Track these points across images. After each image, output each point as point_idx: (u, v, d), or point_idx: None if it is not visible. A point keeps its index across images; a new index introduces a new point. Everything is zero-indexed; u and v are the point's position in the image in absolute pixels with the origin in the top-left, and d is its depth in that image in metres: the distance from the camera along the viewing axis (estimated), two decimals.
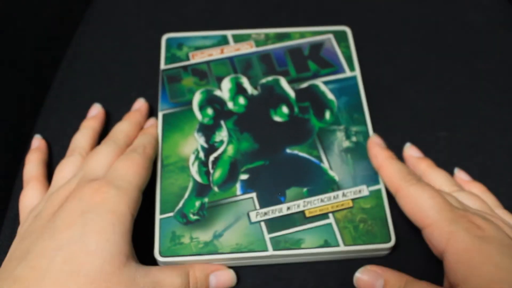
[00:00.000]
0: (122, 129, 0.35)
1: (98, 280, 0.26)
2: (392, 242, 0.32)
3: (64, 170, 0.32)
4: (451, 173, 0.36)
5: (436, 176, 0.33)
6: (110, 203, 0.28)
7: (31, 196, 0.32)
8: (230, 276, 0.31)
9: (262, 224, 0.32)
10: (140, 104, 0.38)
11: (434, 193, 0.29)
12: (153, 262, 0.32)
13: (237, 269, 0.32)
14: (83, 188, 0.29)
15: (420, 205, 0.29)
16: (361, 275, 0.30)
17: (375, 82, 0.40)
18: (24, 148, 0.36)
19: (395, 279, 0.28)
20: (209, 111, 0.37)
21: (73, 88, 0.40)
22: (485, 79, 0.40)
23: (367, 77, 0.40)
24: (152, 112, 0.38)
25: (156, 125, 0.36)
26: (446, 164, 0.36)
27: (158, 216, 0.32)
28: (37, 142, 0.36)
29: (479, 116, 0.39)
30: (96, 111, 0.37)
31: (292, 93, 0.38)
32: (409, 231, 0.33)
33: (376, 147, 0.33)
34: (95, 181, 0.29)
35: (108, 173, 0.30)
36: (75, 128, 0.36)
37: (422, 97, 0.39)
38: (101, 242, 0.26)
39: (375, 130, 0.37)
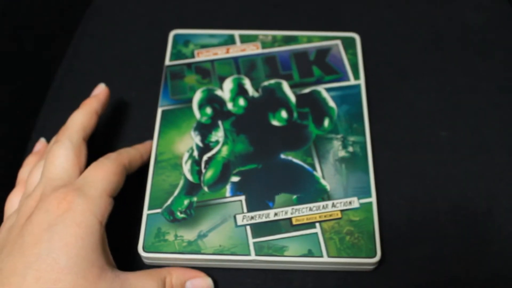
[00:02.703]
0: (76, 121, 0.33)
1: None
2: (378, 257, 0.31)
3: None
4: (449, 174, 0.36)
5: None
6: (76, 214, 0.27)
7: (14, 200, 0.32)
8: (207, 285, 0.31)
9: (248, 228, 0.32)
10: (100, 90, 0.36)
11: None
12: (137, 256, 0.32)
13: (237, 268, 0.32)
14: (48, 198, 0.28)
15: None
16: None
17: (376, 84, 0.39)
18: (24, 148, 0.37)
19: None
20: (208, 110, 0.37)
21: (73, 88, 0.41)
22: (485, 79, 0.40)
23: (370, 81, 0.39)
24: (152, 110, 0.38)
25: (150, 145, 0.35)
26: (446, 164, 0.36)
27: (145, 212, 0.33)
28: (39, 146, 0.36)
29: (479, 116, 0.38)
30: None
31: (293, 98, 0.37)
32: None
33: None
34: (60, 190, 0.28)
35: (76, 180, 0.30)
36: None
37: (422, 97, 0.39)
38: (71, 257, 0.26)
39: (375, 130, 0.37)
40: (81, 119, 0.33)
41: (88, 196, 0.28)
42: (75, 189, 0.28)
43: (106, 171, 0.30)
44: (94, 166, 0.31)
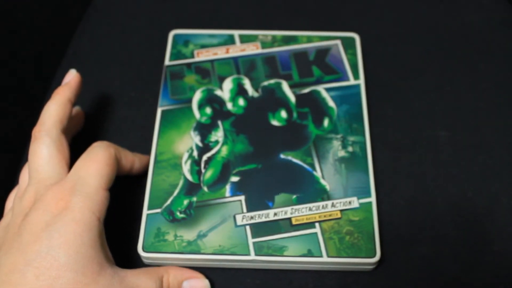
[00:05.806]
0: (51, 113, 0.31)
1: None
2: (377, 257, 0.31)
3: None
4: (449, 174, 0.36)
5: None
6: (74, 212, 0.27)
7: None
8: (204, 286, 0.31)
9: (247, 228, 0.32)
10: (71, 77, 0.34)
11: None
12: (137, 256, 0.32)
13: (236, 268, 0.32)
14: (45, 198, 0.28)
15: None
16: None
17: (376, 84, 0.39)
18: (24, 148, 0.37)
19: None
20: (208, 110, 0.37)
21: None
22: (485, 79, 0.40)
23: (370, 81, 0.39)
24: (152, 110, 0.38)
25: (147, 159, 0.35)
26: (446, 164, 0.36)
27: (145, 211, 0.33)
28: None
29: (479, 116, 0.38)
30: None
31: (292, 98, 0.37)
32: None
33: None
34: (54, 188, 0.28)
35: (69, 176, 0.29)
36: None
37: (422, 97, 0.39)
38: (70, 254, 0.26)
39: (375, 130, 0.37)
40: (56, 111, 0.31)
41: (84, 193, 0.28)
42: (70, 187, 0.28)
43: (99, 163, 0.29)
44: (85, 158, 0.30)
